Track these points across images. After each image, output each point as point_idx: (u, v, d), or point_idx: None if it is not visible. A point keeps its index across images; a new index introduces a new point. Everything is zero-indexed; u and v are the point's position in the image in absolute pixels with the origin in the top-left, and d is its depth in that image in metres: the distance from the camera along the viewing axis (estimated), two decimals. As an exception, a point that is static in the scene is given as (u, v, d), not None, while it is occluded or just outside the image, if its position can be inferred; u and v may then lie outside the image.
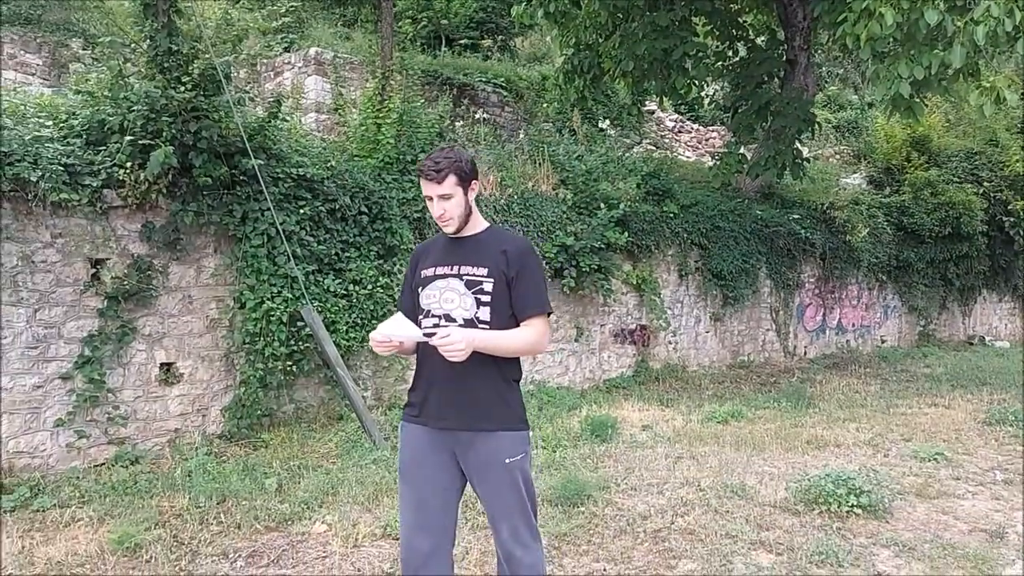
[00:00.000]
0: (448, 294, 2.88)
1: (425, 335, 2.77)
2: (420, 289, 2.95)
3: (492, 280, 2.86)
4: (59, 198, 5.61)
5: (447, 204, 2.88)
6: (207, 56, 6.21)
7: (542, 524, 4.67)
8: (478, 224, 3.00)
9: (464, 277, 2.88)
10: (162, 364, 6.37)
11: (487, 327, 2.83)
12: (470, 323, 2.84)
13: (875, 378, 11.28)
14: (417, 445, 2.94)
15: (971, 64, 8.46)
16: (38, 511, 4.90)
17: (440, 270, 2.93)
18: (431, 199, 2.89)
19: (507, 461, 2.86)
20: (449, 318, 2.86)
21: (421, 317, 2.93)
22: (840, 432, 7.38)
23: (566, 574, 4.05)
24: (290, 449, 6.37)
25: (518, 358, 2.96)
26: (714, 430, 7.42)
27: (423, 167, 2.88)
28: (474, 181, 2.94)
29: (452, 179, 2.86)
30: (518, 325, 2.89)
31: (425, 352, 2.90)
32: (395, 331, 2.78)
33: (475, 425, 2.85)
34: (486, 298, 2.85)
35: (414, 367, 3.03)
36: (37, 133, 5.75)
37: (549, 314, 2.95)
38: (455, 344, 2.66)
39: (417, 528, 2.90)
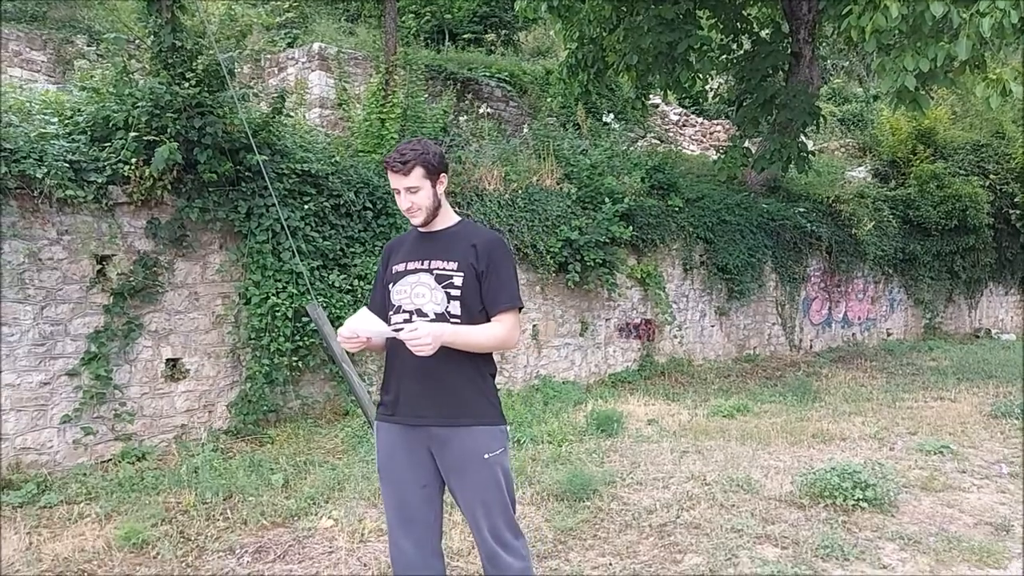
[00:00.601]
0: (419, 288, 2.86)
1: (393, 330, 2.76)
2: (391, 285, 2.92)
3: (462, 274, 2.84)
4: (65, 195, 5.62)
5: (414, 197, 2.85)
6: (211, 52, 6.21)
7: (548, 518, 4.70)
8: (449, 218, 2.98)
9: (434, 271, 2.85)
10: (168, 360, 6.39)
11: (458, 321, 2.81)
12: (441, 317, 2.81)
13: (881, 371, 11.26)
14: (392, 444, 2.91)
15: (977, 56, 8.43)
16: (45, 507, 4.92)
17: (411, 265, 2.90)
18: (399, 192, 2.86)
19: (486, 456, 2.82)
20: (420, 313, 2.83)
21: (392, 313, 2.90)
22: (846, 426, 7.37)
23: (572, 569, 4.05)
24: (296, 445, 6.39)
25: (491, 353, 2.93)
26: (720, 424, 7.42)
27: (389, 159, 2.86)
28: (443, 174, 2.92)
29: (419, 171, 2.84)
30: (488, 319, 2.87)
31: (395, 348, 2.87)
32: (361, 326, 2.75)
33: (451, 420, 2.82)
34: (456, 292, 2.83)
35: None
36: (42, 130, 5.76)
37: (520, 308, 2.93)
38: (421, 339, 2.63)
39: (401, 528, 2.89)
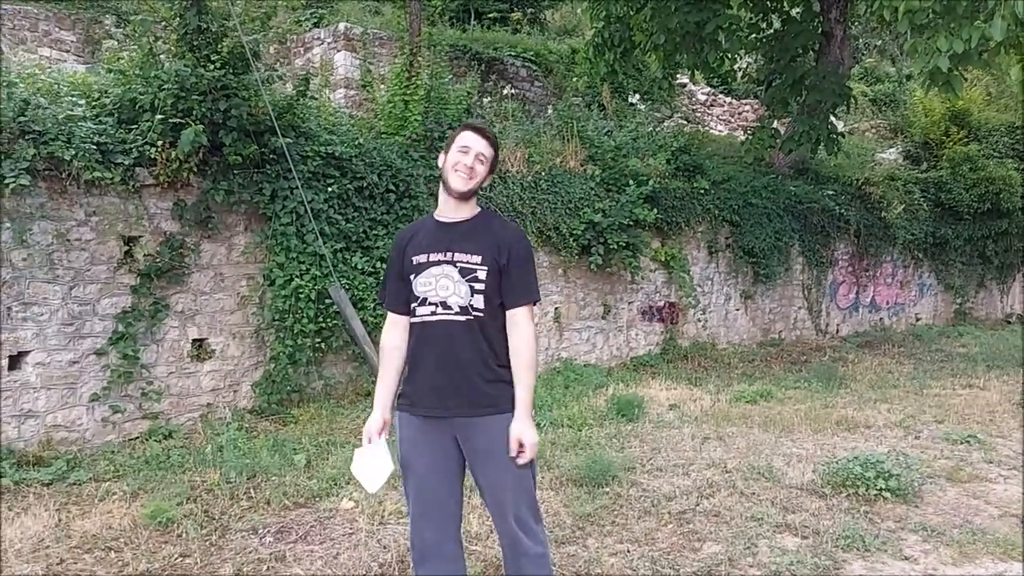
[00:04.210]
0: (443, 281, 2.86)
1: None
2: (414, 276, 2.90)
3: (486, 268, 2.86)
4: (92, 176, 5.67)
5: (478, 164, 2.90)
6: (236, 34, 6.22)
7: (567, 504, 4.71)
8: (472, 208, 2.98)
9: (458, 264, 2.86)
10: (194, 340, 6.47)
11: (480, 315, 2.85)
12: (465, 310, 2.84)
13: (908, 358, 11.14)
14: (414, 435, 2.91)
15: (1012, 37, 8.21)
16: (74, 484, 5.01)
17: (433, 256, 2.89)
18: (467, 150, 2.88)
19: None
20: (445, 305, 2.85)
21: (416, 305, 2.90)
22: (871, 413, 7.31)
23: (589, 555, 4.06)
24: (319, 425, 6.45)
25: (505, 341, 2.91)
26: (742, 410, 7.39)
27: (472, 122, 3.00)
28: (496, 166, 2.98)
29: (491, 149, 2.93)
30: (503, 311, 2.90)
31: (420, 341, 2.89)
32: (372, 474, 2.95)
33: (479, 410, 2.84)
34: (480, 286, 2.85)
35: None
36: (70, 112, 5.80)
37: (536, 302, 2.97)
38: (535, 441, 2.84)
39: (423, 517, 2.91)
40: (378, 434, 2.95)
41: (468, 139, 2.90)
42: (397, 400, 3.00)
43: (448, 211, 2.96)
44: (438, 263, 2.87)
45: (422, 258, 2.91)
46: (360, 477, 2.96)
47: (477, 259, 2.86)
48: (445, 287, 2.85)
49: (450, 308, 2.84)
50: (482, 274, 2.85)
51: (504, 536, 2.94)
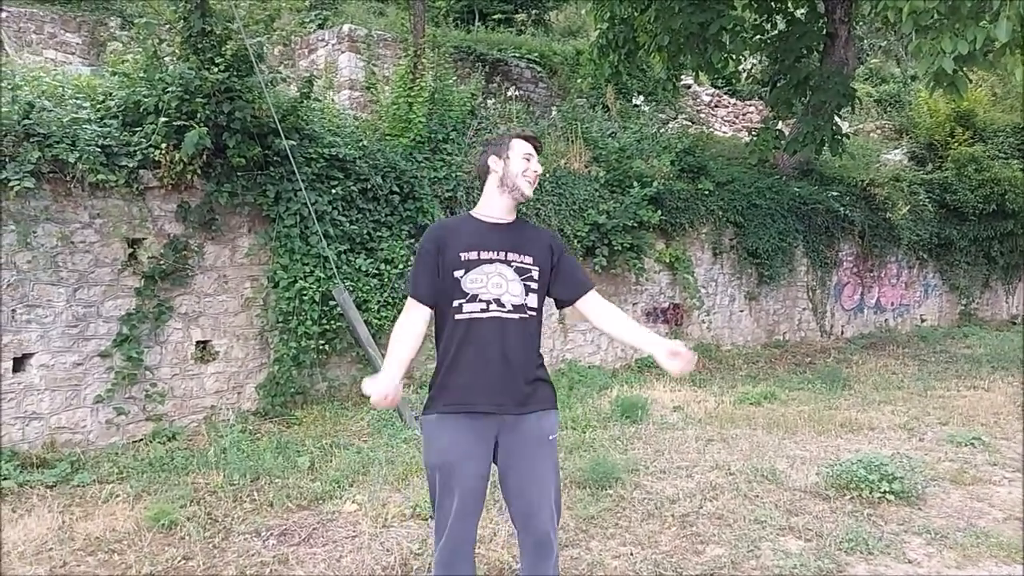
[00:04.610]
0: (496, 279, 2.89)
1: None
2: (462, 272, 2.88)
3: (539, 269, 2.96)
4: (97, 179, 5.69)
5: (538, 170, 3.06)
6: (240, 37, 6.24)
7: (570, 506, 4.71)
8: (515, 213, 3.08)
9: (512, 264, 2.92)
10: (198, 342, 6.48)
11: (534, 313, 2.94)
12: (519, 309, 2.89)
13: (913, 359, 11.11)
14: (456, 437, 2.85)
15: (1018, 38, 8.18)
16: (78, 486, 5.03)
17: (484, 254, 2.91)
18: (530, 158, 3.02)
19: (551, 438, 2.94)
20: (499, 303, 2.88)
21: (463, 301, 2.87)
22: (875, 415, 7.29)
23: (592, 558, 4.06)
24: (323, 427, 6.46)
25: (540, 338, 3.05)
26: (746, 412, 7.38)
27: (526, 131, 3.09)
28: None
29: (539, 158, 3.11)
30: (565, 306, 3.10)
31: (466, 338, 2.86)
32: (380, 388, 2.76)
33: (527, 408, 2.88)
34: (534, 285, 2.95)
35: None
36: (75, 115, 5.82)
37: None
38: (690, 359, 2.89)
39: (465, 520, 2.85)
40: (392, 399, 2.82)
41: (529, 148, 3.04)
42: (428, 403, 2.97)
43: (498, 212, 3.01)
44: (491, 261, 2.90)
45: (472, 255, 2.91)
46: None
47: (530, 259, 2.96)
48: (498, 284, 2.89)
49: (503, 306, 2.88)
50: (535, 273, 2.95)
51: (532, 533, 2.90)
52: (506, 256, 2.92)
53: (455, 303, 2.88)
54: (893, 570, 3.99)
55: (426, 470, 2.98)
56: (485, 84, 10.80)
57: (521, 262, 2.93)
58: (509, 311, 2.88)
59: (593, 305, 3.05)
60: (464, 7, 15.83)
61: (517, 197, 3.00)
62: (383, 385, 2.75)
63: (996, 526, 4.59)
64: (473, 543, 2.95)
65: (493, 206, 3.01)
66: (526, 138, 3.06)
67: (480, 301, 2.87)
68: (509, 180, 2.97)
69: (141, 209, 6.09)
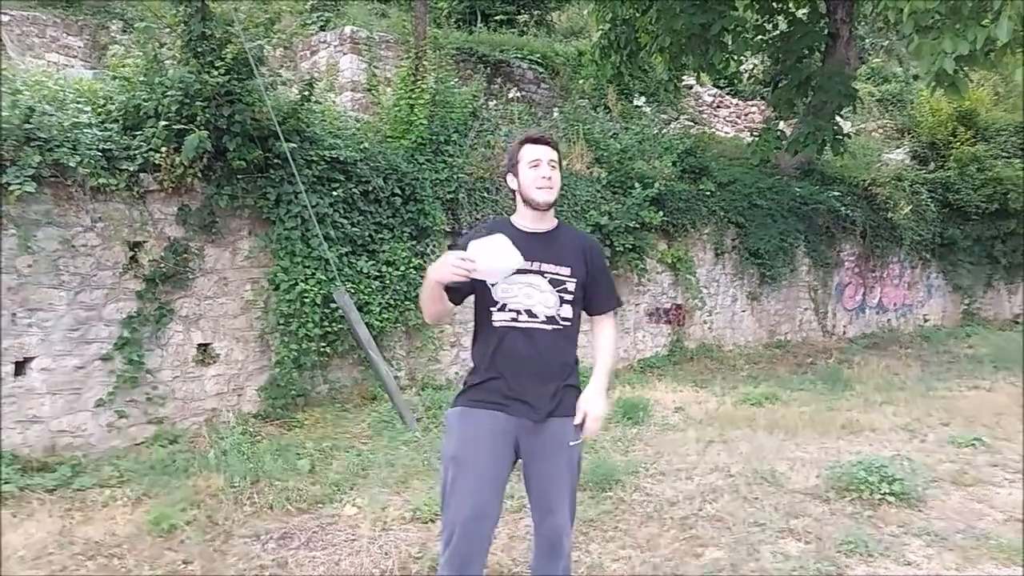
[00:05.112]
0: (528, 290, 2.90)
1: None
2: (495, 282, 2.89)
3: (575, 280, 2.95)
4: (98, 183, 5.71)
5: (554, 173, 2.95)
6: (239, 40, 6.25)
7: (569, 509, 4.70)
8: (552, 218, 3.03)
9: (547, 275, 2.91)
10: (199, 345, 6.49)
11: (568, 323, 2.94)
12: (551, 320, 2.90)
13: (915, 359, 11.10)
14: (478, 432, 2.89)
15: (1019, 38, 8.16)
16: (79, 490, 5.03)
17: None
18: (538, 163, 2.91)
19: (571, 444, 2.93)
20: (531, 313, 2.89)
21: (495, 310, 2.90)
22: (876, 416, 7.28)
23: (592, 561, 4.06)
24: (324, 429, 6.47)
25: (576, 346, 3.03)
26: (747, 413, 7.37)
27: (532, 133, 2.99)
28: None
29: (555, 152, 2.98)
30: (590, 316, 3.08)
31: (499, 347, 2.89)
32: (492, 261, 2.70)
33: (557, 410, 2.90)
34: (569, 296, 2.93)
35: (483, 351, 2.98)
36: (76, 119, 5.83)
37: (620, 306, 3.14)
38: (603, 414, 2.94)
39: (472, 521, 2.84)
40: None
41: (535, 152, 2.93)
42: (454, 400, 3.02)
43: (530, 222, 2.99)
44: (525, 272, 2.88)
45: None
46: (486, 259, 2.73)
47: (567, 271, 2.94)
48: (529, 295, 2.90)
49: (536, 316, 2.89)
50: (571, 285, 2.94)
51: (548, 535, 2.93)
52: (540, 267, 2.91)
53: (489, 309, 2.92)
54: (892, 572, 3.99)
55: (441, 465, 3.01)
56: (487, 85, 10.80)
57: (556, 273, 2.92)
58: (542, 322, 2.89)
59: (597, 327, 3.12)
60: (466, 8, 15.82)
61: (537, 207, 2.95)
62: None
63: (996, 528, 4.58)
64: (486, 546, 2.93)
65: (525, 217, 3.01)
66: (532, 140, 2.97)
67: (510, 311, 2.89)
68: (525, 194, 2.95)
69: (142, 212, 6.10)
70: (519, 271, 2.84)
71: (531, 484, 2.97)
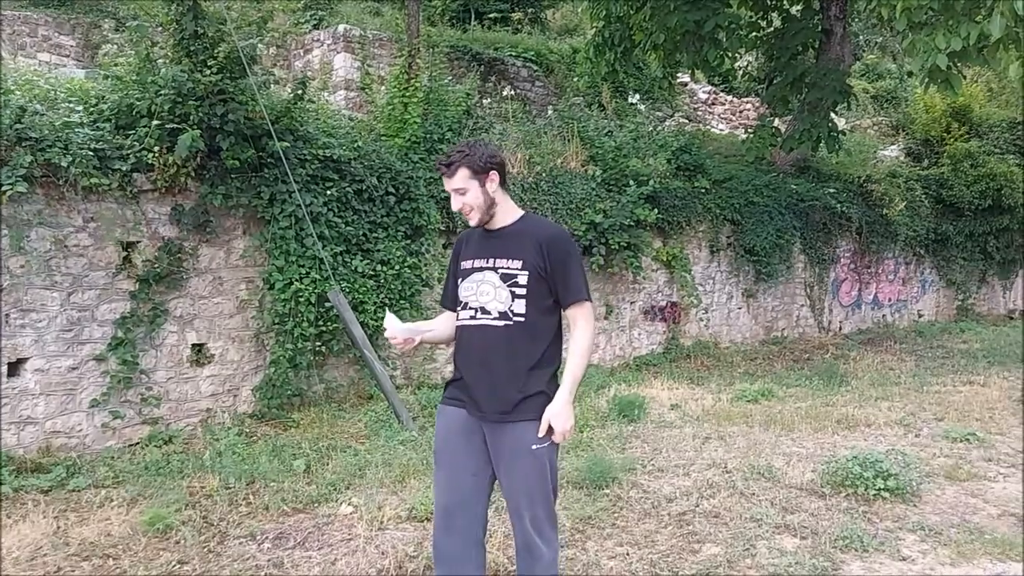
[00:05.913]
0: (484, 287, 2.93)
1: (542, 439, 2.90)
2: (460, 281, 3.02)
3: (527, 273, 2.91)
4: (90, 183, 5.68)
5: (463, 198, 2.93)
6: (232, 39, 6.23)
7: (567, 507, 4.71)
8: (510, 214, 3.02)
9: (499, 270, 2.93)
10: (193, 345, 6.47)
11: (522, 319, 2.89)
12: (504, 316, 2.90)
13: (910, 354, 11.12)
14: (449, 428, 3.01)
15: (1011, 34, 8.18)
16: (73, 491, 5.01)
17: (477, 262, 2.98)
18: (452, 193, 2.96)
19: (534, 448, 2.88)
20: (484, 311, 2.92)
21: (460, 309, 3.01)
22: (872, 411, 7.29)
23: (588, 558, 4.06)
24: (319, 429, 6.45)
25: (550, 345, 2.96)
26: (744, 409, 7.38)
27: (437, 162, 2.98)
28: (492, 172, 2.94)
29: (464, 172, 2.90)
30: (551, 314, 2.97)
31: (463, 340, 3.00)
32: (392, 330, 3.01)
33: (505, 417, 2.89)
34: (521, 291, 2.91)
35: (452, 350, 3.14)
36: (67, 119, 5.81)
37: (584, 301, 2.98)
38: (566, 424, 2.86)
39: (448, 515, 2.95)
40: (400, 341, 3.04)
41: (446, 184, 2.96)
42: (443, 391, 3.14)
43: (490, 221, 3.02)
44: (480, 269, 2.95)
45: (467, 264, 3.01)
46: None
47: (517, 264, 2.91)
48: (485, 292, 2.93)
49: (489, 313, 2.91)
50: (522, 279, 2.90)
51: (520, 538, 2.98)
52: (494, 263, 2.94)
53: (458, 309, 3.03)
54: (887, 567, 3.99)
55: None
56: (481, 83, 10.80)
57: (508, 268, 2.91)
58: (494, 318, 2.90)
59: (572, 326, 2.99)
60: (460, 6, 15.81)
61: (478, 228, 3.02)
62: (395, 328, 2.96)
63: (991, 522, 4.59)
64: (472, 545, 2.96)
65: None
66: (439, 169, 2.98)
67: (469, 309, 2.96)
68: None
69: (135, 212, 6.08)
70: (476, 269, 2.95)
71: (502, 489, 3.00)
